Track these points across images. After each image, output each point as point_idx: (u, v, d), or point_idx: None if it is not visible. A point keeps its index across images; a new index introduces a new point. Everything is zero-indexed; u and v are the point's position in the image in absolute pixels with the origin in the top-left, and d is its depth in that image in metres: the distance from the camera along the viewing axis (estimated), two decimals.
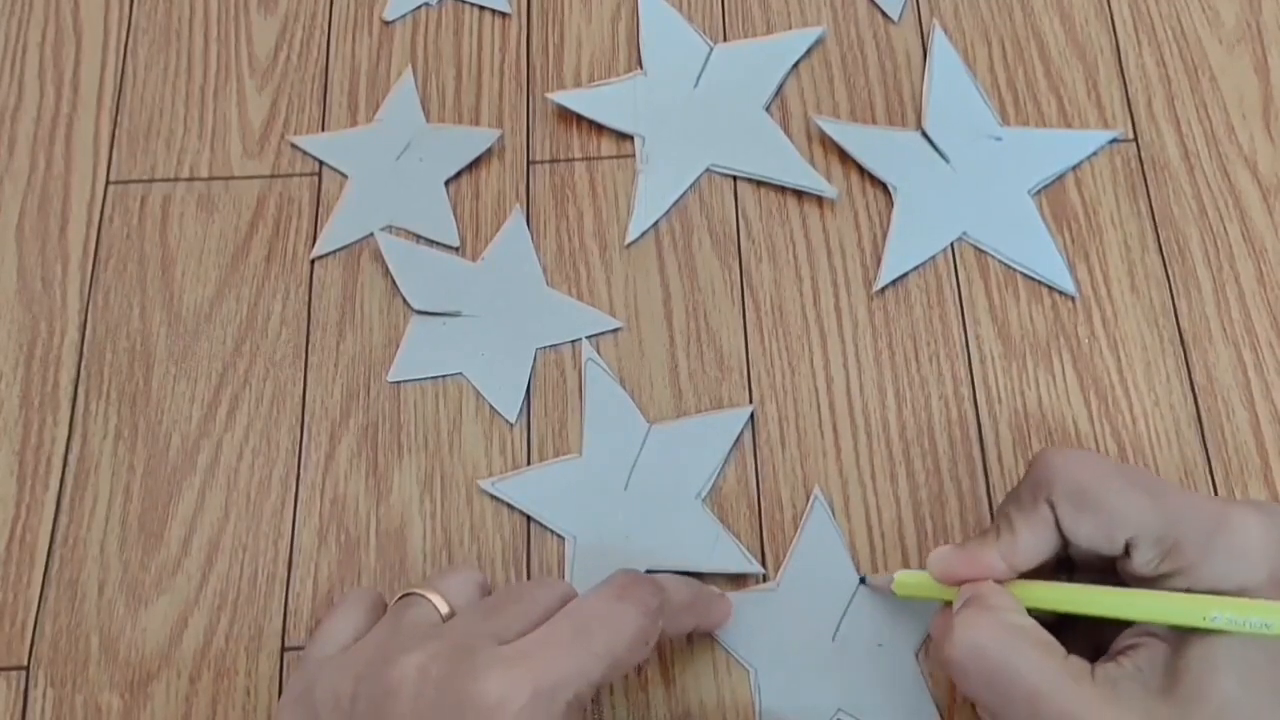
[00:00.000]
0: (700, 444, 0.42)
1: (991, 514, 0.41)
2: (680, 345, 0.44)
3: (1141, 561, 0.32)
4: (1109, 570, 0.34)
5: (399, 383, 0.44)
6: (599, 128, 0.48)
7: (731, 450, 0.42)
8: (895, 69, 0.49)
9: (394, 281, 0.45)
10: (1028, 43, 0.49)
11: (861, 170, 0.47)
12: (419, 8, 0.51)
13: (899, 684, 0.39)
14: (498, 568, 0.41)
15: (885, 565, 0.41)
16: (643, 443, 0.42)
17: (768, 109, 0.48)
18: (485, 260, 0.46)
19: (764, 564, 0.40)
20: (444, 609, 0.34)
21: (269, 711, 0.39)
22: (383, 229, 0.46)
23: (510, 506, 0.42)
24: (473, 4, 0.51)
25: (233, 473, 0.43)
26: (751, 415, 0.43)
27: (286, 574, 0.41)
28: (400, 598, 0.34)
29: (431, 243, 0.46)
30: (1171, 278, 0.45)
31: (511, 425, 0.43)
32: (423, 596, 0.34)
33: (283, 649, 0.40)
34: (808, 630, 0.39)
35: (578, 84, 0.49)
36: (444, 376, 0.44)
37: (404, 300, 0.45)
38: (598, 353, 0.44)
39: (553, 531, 0.41)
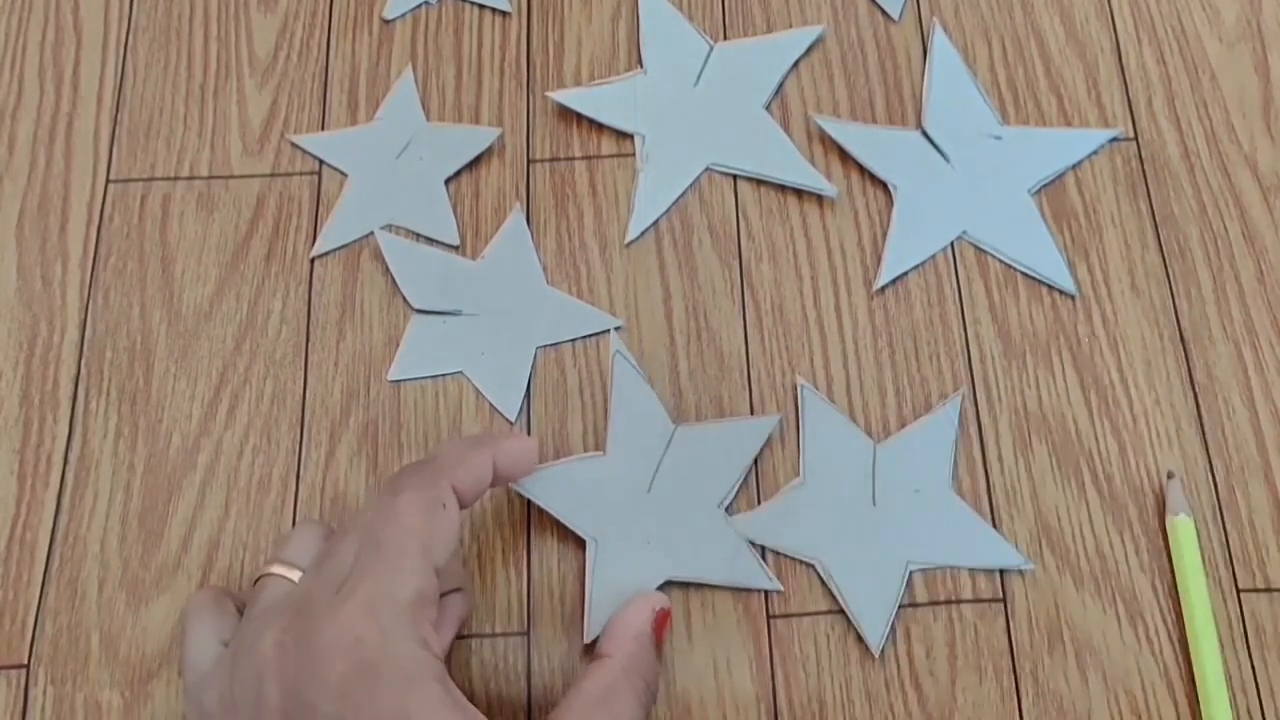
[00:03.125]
0: (725, 451, 0.42)
1: (993, 513, 0.41)
2: (680, 344, 0.44)
3: None
4: None
5: (399, 381, 0.44)
6: (599, 126, 0.48)
7: (755, 460, 0.42)
8: (895, 68, 0.49)
9: (394, 280, 0.45)
10: (1028, 41, 0.49)
11: (861, 169, 0.47)
12: (419, 6, 0.51)
13: (709, 532, 0.40)
14: (498, 567, 0.41)
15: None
16: (668, 444, 0.42)
17: (768, 108, 0.48)
18: (485, 259, 0.46)
19: (771, 568, 0.40)
20: (294, 576, 0.34)
21: None
22: (383, 228, 0.46)
23: (510, 506, 0.42)
24: (473, 3, 0.51)
25: (233, 471, 0.43)
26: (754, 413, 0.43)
27: None
28: (254, 583, 0.35)
29: (432, 241, 0.46)
30: (1172, 276, 0.45)
31: (512, 424, 0.43)
32: (270, 574, 0.35)
33: None
34: (629, 490, 0.41)
35: (578, 83, 0.49)
36: (444, 375, 0.44)
37: (404, 299, 0.45)
38: (598, 352, 0.44)
39: (573, 532, 0.41)
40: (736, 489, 0.41)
